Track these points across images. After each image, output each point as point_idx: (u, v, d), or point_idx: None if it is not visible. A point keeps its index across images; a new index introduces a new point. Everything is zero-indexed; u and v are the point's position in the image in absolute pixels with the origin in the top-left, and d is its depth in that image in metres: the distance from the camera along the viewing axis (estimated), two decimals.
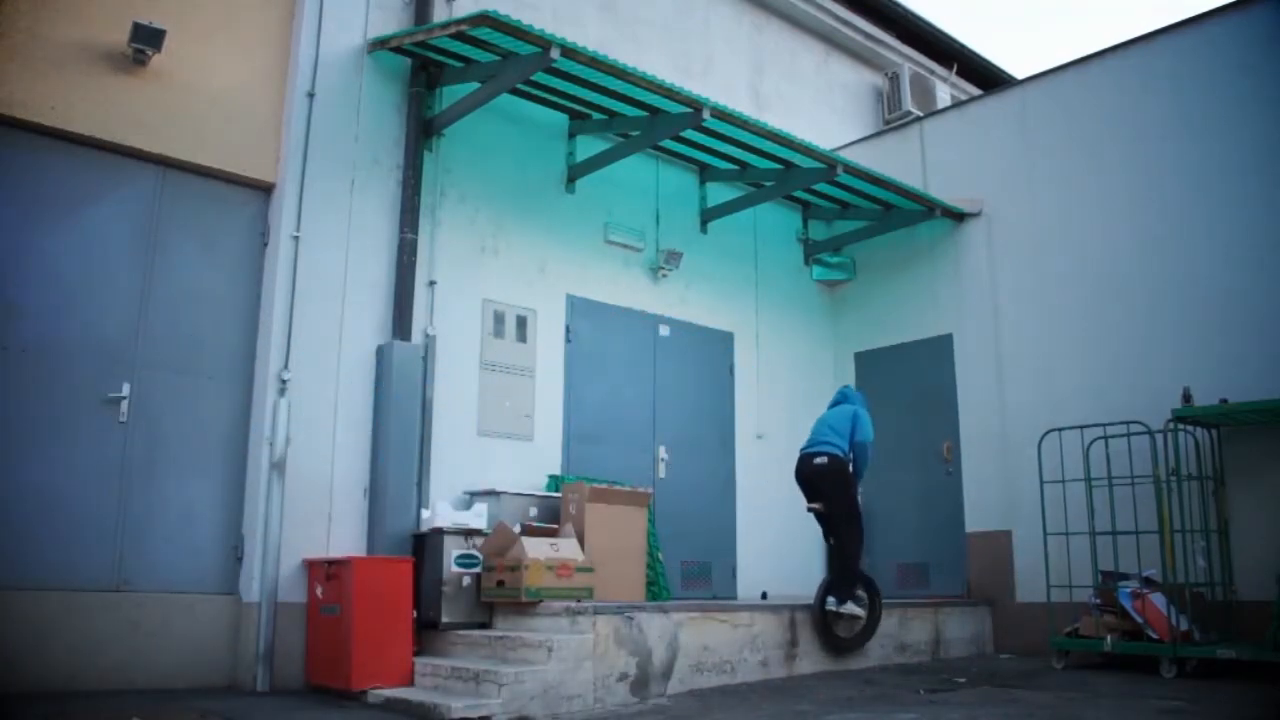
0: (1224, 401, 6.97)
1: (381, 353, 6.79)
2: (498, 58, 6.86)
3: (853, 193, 9.24)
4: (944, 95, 12.12)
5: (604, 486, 6.90)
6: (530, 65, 6.63)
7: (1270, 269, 7.27)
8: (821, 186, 9.06)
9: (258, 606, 6.06)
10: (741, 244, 9.54)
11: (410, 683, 5.79)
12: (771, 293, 9.70)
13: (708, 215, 9.24)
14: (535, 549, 6.00)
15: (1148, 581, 6.96)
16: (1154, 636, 6.71)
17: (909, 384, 9.32)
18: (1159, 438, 6.99)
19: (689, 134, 8.07)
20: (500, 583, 6.08)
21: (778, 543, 9.17)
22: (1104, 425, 7.30)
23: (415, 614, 6.07)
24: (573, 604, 5.80)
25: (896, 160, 9.61)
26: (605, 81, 7.11)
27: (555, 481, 7.47)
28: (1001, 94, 9.59)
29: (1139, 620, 6.81)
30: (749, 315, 9.49)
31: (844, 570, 6.96)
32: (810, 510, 7.13)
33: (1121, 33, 23.06)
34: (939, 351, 9.24)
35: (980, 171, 9.23)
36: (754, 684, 6.27)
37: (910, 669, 7.16)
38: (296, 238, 6.60)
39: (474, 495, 6.94)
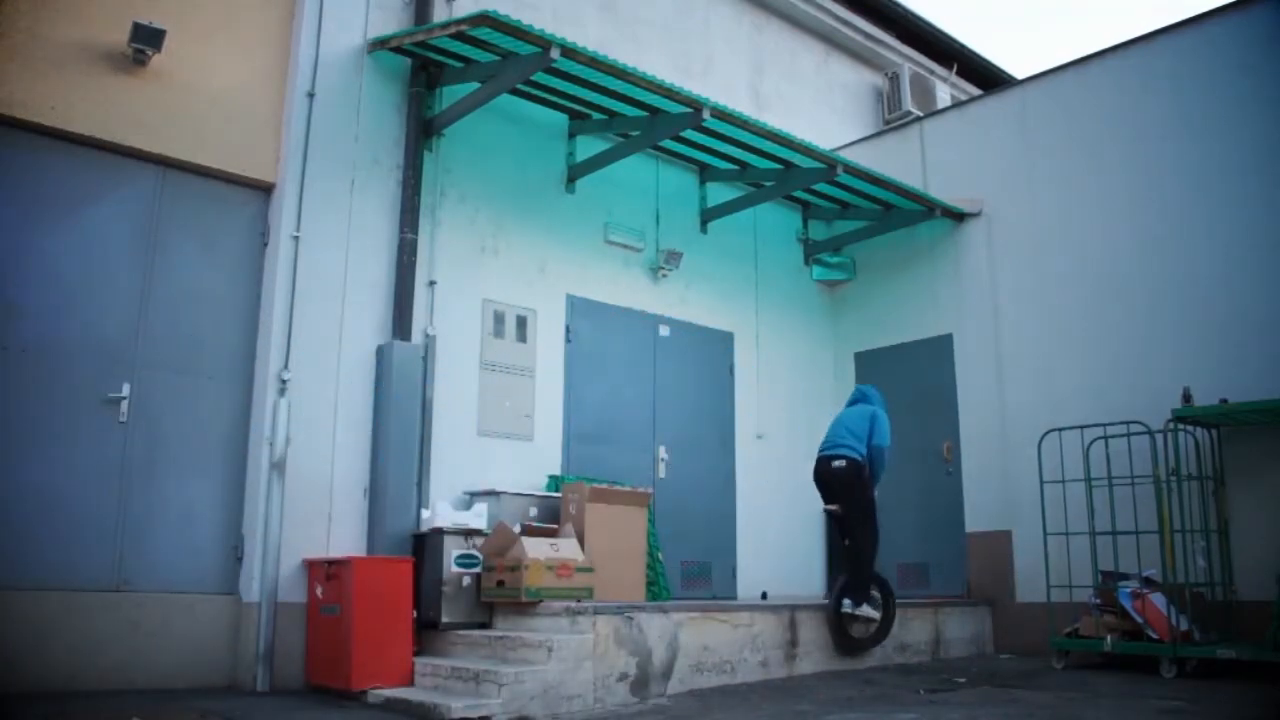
0: (1224, 401, 6.97)
1: (381, 353, 6.79)
2: (498, 58, 6.86)
3: (853, 193, 9.24)
4: (944, 95, 12.12)
5: (604, 486, 6.90)
6: (530, 65, 6.63)
7: (1270, 269, 7.27)
8: (821, 186, 9.06)
9: (258, 606, 6.06)
10: (741, 244, 9.54)
11: (410, 683, 5.79)
12: (771, 293, 9.70)
13: (708, 215, 9.24)
14: (535, 549, 6.00)
15: (1148, 581, 6.96)
16: (1154, 636, 6.71)
17: (909, 384, 9.32)
18: (1159, 438, 6.99)
19: (689, 134, 8.07)
20: (500, 583, 6.08)
21: (778, 543, 9.18)
22: (1104, 425, 7.31)
23: (415, 614, 6.07)
24: (573, 604, 5.80)
25: (896, 160, 9.61)
26: (605, 81, 7.11)
27: (555, 481, 7.47)
28: (1001, 94, 9.59)
29: (1139, 620, 6.81)
30: (749, 315, 9.49)
31: (859, 572, 6.99)
32: (827, 511, 7.19)
33: (1121, 33, 23.06)
34: (939, 351, 9.24)
35: (980, 171, 9.23)
36: (754, 684, 6.27)
37: (910, 669, 7.16)
38: (296, 238, 6.60)
39: (474, 495, 6.94)
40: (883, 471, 7.08)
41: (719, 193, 9.33)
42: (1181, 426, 7.12)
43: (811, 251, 10.11)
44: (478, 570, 6.27)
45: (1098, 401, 7.74)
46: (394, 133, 7.16)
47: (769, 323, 9.62)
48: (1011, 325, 8.79)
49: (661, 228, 8.88)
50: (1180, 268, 7.74)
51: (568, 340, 8.03)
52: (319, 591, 6.08)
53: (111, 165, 6.23)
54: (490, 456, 7.31)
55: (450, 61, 7.23)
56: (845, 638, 6.98)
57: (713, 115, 7.26)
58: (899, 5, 12.43)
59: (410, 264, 7.00)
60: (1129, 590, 6.94)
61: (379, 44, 7.06)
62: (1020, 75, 10.84)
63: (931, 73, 12.49)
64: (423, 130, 7.24)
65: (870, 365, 9.78)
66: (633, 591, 6.73)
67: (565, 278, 8.09)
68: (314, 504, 6.37)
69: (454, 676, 5.51)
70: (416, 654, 6.00)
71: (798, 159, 8.39)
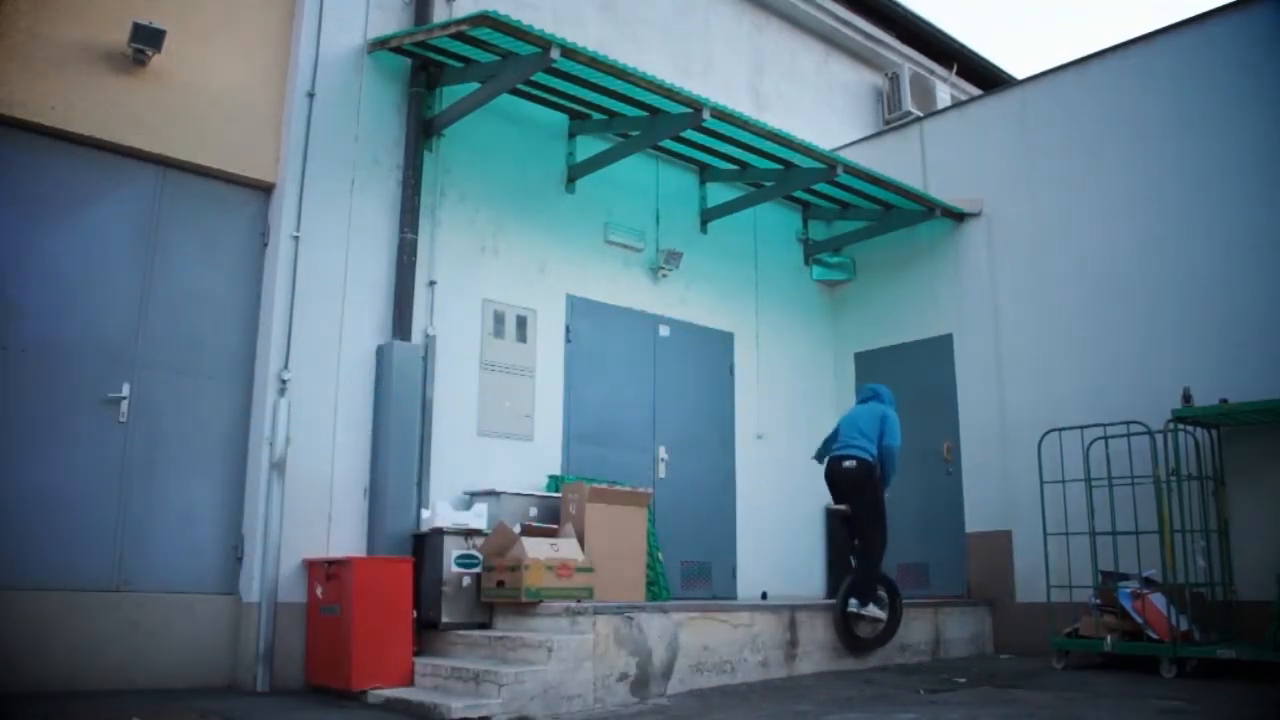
0: (1224, 401, 6.97)
1: (381, 353, 6.79)
2: (498, 58, 6.86)
3: (853, 193, 9.24)
4: (944, 95, 12.12)
5: (604, 486, 6.90)
6: (530, 65, 6.63)
7: (1270, 269, 7.27)
8: (821, 186, 9.06)
9: (258, 606, 6.06)
10: (741, 244, 9.54)
11: (410, 683, 5.79)
12: (771, 293, 9.70)
13: (708, 215, 9.24)
14: (535, 549, 6.00)
15: (1148, 581, 6.96)
16: (1154, 636, 6.71)
17: (909, 384, 9.29)
18: (1159, 438, 6.99)
19: (689, 134, 8.07)
20: (500, 583, 6.08)
21: (778, 543, 9.18)
22: (1104, 425, 7.30)
23: (415, 614, 6.07)
24: (573, 604, 5.80)
25: (896, 160, 9.61)
26: (605, 81, 7.11)
27: (555, 481, 7.47)
28: (1001, 94, 9.59)
29: (1139, 620, 6.81)
30: (749, 315, 9.49)
31: (867, 572, 7.03)
32: (837, 511, 7.24)
33: (1121, 33, 23.05)
34: (939, 351, 9.24)
35: (980, 171, 9.23)
36: (754, 684, 6.27)
37: (910, 669, 7.16)
38: (296, 238, 6.60)
39: (474, 495, 6.94)
40: (894, 473, 7.13)
41: (719, 193, 9.33)
42: (1181, 426, 7.12)
43: (811, 251, 10.11)
44: (478, 570, 6.27)
45: (1098, 401, 7.74)
46: (394, 133, 7.16)
47: (769, 323, 9.62)
48: (1011, 325, 8.79)
49: (661, 228, 8.88)
50: (1180, 268, 7.74)
51: (568, 340, 8.03)
52: (319, 591, 6.08)
53: (111, 165, 6.23)
54: (490, 456, 7.31)
55: (450, 61, 7.23)
56: (851, 637, 7.01)
57: (713, 115, 7.26)
58: (899, 5, 12.43)
59: (410, 264, 7.00)
60: (1129, 590, 6.94)
61: (379, 44, 7.06)
62: (1020, 75, 10.86)
63: (931, 73, 12.49)
64: (423, 130, 7.24)
65: (870, 365, 9.77)
66: (633, 591, 6.73)
67: (565, 278, 8.09)
68: (314, 504, 6.37)
69: (454, 676, 5.51)
70: (416, 654, 6.00)
71: (798, 159, 8.38)
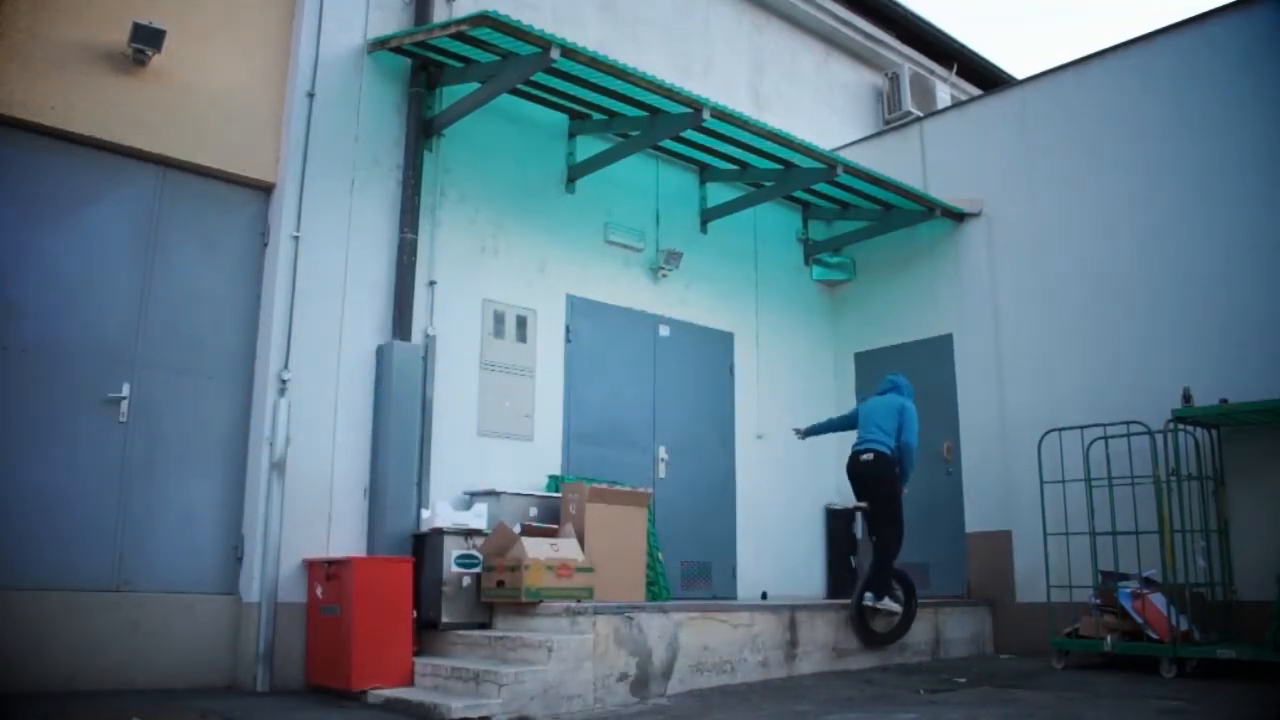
0: (1224, 401, 6.97)
1: (381, 353, 6.79)
2: (498, 58, 6.86)
3: (853, 193, 9.24)
4: (944, 95, 12.12)
5: (604, 486, 6.90)
6: (530, 65, 6.63)
7: (1270, 269, 7.27)
8: (821, 187, 9.06)
9: (258, 606, 6.06)
10: (741, 244, 9.54)
11: (410, 683, 5.79)
12: (771, 293, 9.70)
13: (708, 215, 9.24)
14: (535, 549, 6.00)
15: (1148, 581, 6.96)
16: (1154, 636, 6.71)
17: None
18: (1159, 438, 6.99)
19: (689, 134, 8.07)
20: (500, 583, 6.08)
21: (778, 543, 9.18)
22: (1104, 425, 7.30)
23: (415, 614, 6.07)
24: (573, 604, 5.80)
25: (896, 160, 9.61)
26: (605, 81, 7.11)
27: (555, 481, 7.47)
28: (1001, 94, 9.59)
29: (1139, 620, 6.81)
30: (749, 315, 9.49)
31: (882, 566, 7.11)
32: (857, 508, 7.37)
33: (1121, 33, 23.06)
34: (939, 351, 9.24)
35: (980, 171, 9.23)
36: (754, 684, 6.27)
37: (910, 669, 7.16)
38: (296, 238, 6.60)
39: (474, 495, 6.94)
40: (912, 468, 7.24)
41: (719, 193, 9.33)
42: (1181, 426, 7.12)
43: (811, 251, 10.11)
44: (478, 570, 6.27)
45: (1098, 401, 7.74)
46: (394, 133, 7.16)
47: (769, 323, 9.62)
48: (1011, 325, 8.79)
49: (661, 228, 8.88)
50: (1180, 268, 7.74)
51: (568, 340, 8.03)
52: (319, 591, 6.08)
53: (111, 165, 6.23)
54: (490, 456, 7.31)
55: (450, 61, 7.23)
56: (866, 631, 7.10)
57: (713, 115, 7.26)
58: (899, 5, 12.43)
59: (410, 264, 7.00)
60: (1129, 590, 6.94)
61: (379, 44, 7.06)
62: (1020, 75, 10.86)
63: (931, 73, 12.49)
64: (423, 130, 7.24)
65: (870, 365, 9.77)
66: (633, 591, 6.73)
67: (565, 278, 8.09)
68: (314, 504, 6.37)
69: (454, 676, 5.51)
70: (416, 654, 6.00)
71: (798, 159, 8.38)
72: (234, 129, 6.65)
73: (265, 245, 6.74)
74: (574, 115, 8.22)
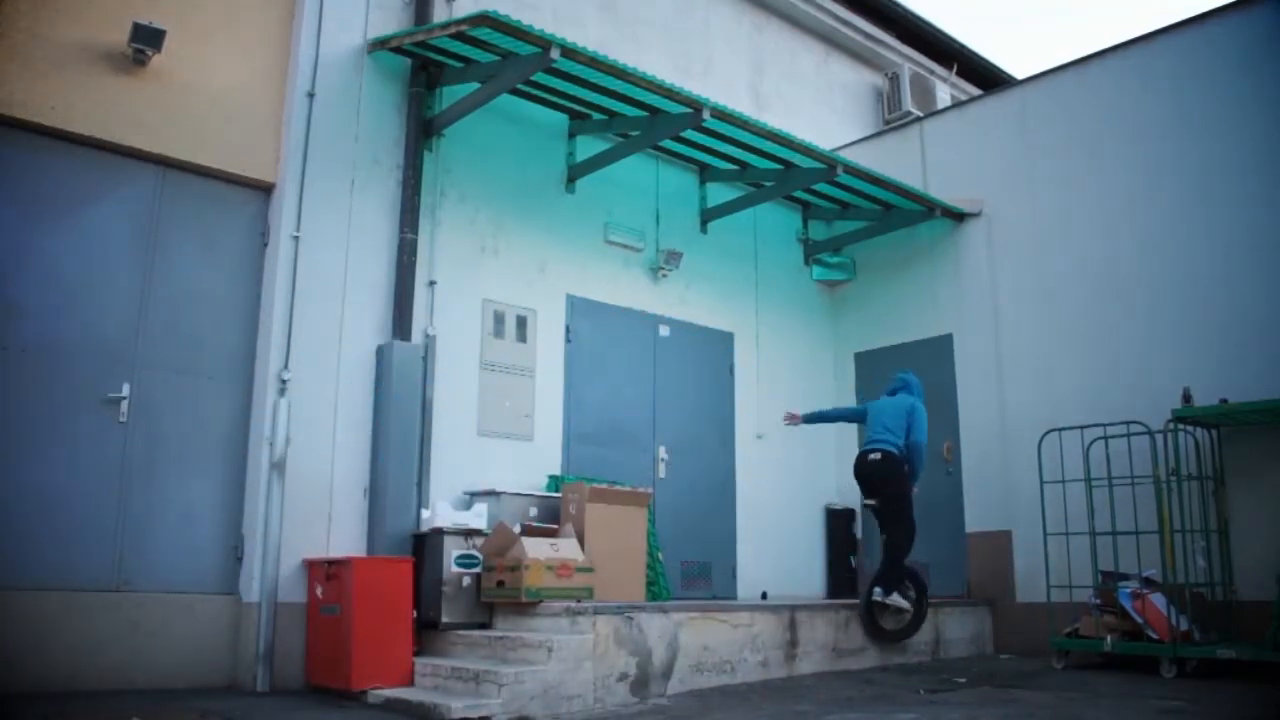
0: (1224, 401, 6.97)
1: (381, 353, 6.79)
2: (498, 58, 6.86)
3: (853, 193, 9.24)
4: (944, 95, 12.12)
5: (604, 486, 6.90)
6: (530, 65, 6.63)
7: (1270, 269, 7.27)
8: (821, 186, 9.06)
9: (258, 606, 6.06)
10: (741, 244, 9.54)
11: (410, 683, 5.79)
12: (771, 293, 9.70)
13: (708, 215, 9.24)
14: (535, 549, 6.00)
15: (1148, 581, 6.96)
16: (1154, 636, 6.71)
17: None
18: (1159, 438, 6.99)
19: (689, 134, 8.07)
20: (500, 583, 6.08)
21: (778, 543, 9.18)
22: (1104, 425, 7.30)
23: (415, 614, 6.07)
24: (573, 604, 5.80)
25: (896, 160, 9.61)
26: (605, 81, 7.11)
27: (555, 481, 7.47)
28: (1001, 94, 9.59)
29: (1139, 620, 6.81)
30: (749, 315, 9.49)
31: (891, 563, 7.16)
32: (866, 507, 7.41)
33: (1121, 33, 23.06)
34: (939, 351, 9.24)
35: (980, 171, 9.23)
36: (754, 684, 6.27)
37: (910, 669, 7.16)
38: (296, 238, 6.60)
39: (474, 495, 6.94)
40: (922, 469, 7.28)
41: (719, 193, 9.33)
42: (1181, 426, 7.12)
43: (811, 251, 10.11)
44: (478, 570, 6.27)
45: (1098, 401, 7.74)
46: (394, 133, 7.16)
47: (769, 323, 9.62)
48: (1011, 325, 8.79)
49: (661, 228, 8.88)
50: (1180, 268, 7.74)
51: (568, 340, 8.03)
52: (319, 591, 6.08)
53: (111, 165, 6.23)
54: (490, 456, 7.31)
55: (450, 61, 7.23)
56: (875, 627, 7.14)
57: (713, 115, 7.26)
58: (899, 5, 12.43)
59: (410, 264, 7.00)
60: (1129, 590, 6.94)
61: (379, 44, 7.06)
62: (1020, 75, 10.86)
63: (931, 73, 12.49)
64: (423, 130, 7.24)
65: (870, 365, 9.78)
66: (633, 591, 6.73)
67: (565, 278, 8.09)
68: (314, 504, 6.37)
69: (454, 677, 5.51)
70: (416, 654, 6.00)
71: (798, 159, 8.38)
72: (234, 129, 6.65)
73: (265, 245, 6.74)
74: (574, 115, 8.22)
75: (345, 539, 6.45)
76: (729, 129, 7.74)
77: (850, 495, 9.60)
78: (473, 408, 7.31)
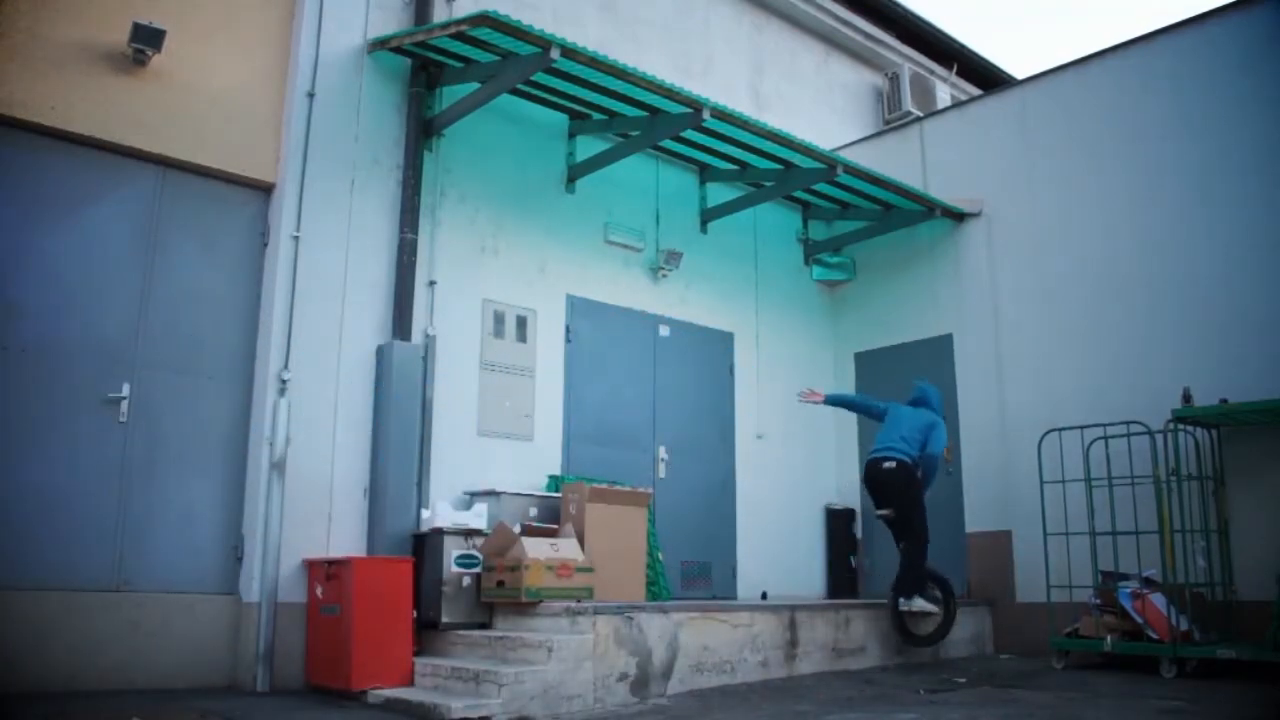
0: (1224, 401, 6.97)
1: (381, 353, 6.79)
2: (498, 58, 6.86)
3: (853, 193, 9.24)
4: (944, 95, 12.12)
5: (604, 486, 6.90)
6: (530, 65, 6.63)
7: (1270, 269, 7.27)
8: (821, 187, 9.06)
9: (258, 606, 6.06)
10: (741, 244, 9.53)
11: (410, 683, 5.79)
12: (771, 293, 9.70)
13: (708, 215, 9.24)
14: (535, 549, 6.00)
15: (1148, 581, 6.96)
16: (1154, 636, 6.71)
17: (909, 384, 9.29)
18: (1159, 438, 6.99)
19: (689, 134, 8.07)
20: (500, 583, 6.08)
21: (778, 543, 9.18)
22: (1104, 425, 7.30)
23: (415, 614, 6.07)
24: (573, 604, 5.80)
25: (896, 160, 9.61)
26: (605, 81, 7.11)
27: (555, 481, 7.47)
28: (1001, 94, 9.59)
29: (1139, 620, 6.81)
30: (749, 315, 9.49)
31: (907, 569, 7.18)
32: (879, 517, 7.38)
33: (1121, 33, 23.06)
34: (939, 352, 9.24)
35: (980, 171, 9.22)
36: (754, 684, 6.27)
37: (910, 669, 7.16)
38: (296, 238, 6.60)
39: (474, 495, 6.94)
40: (934, 478, 7.31)
41: (719, 193, 9.33)
42: (1181, 427, 7.11)
43: (811, 251, 10.11)
44: (478, 570, 6.27)
45: (1098, 401, 7.74)
46: (394, 133, 7.16)
47: (769, 323, 9.62)
48: (1011, 325, 8.79)
49: (661, 228, 8.88)
50: (1180, 268, 7.74)
51: (568, 340, 8.03)
52: (319, 591, 6.08)
53: (111, 165, 6.23)
54: (490, 456, 7.31)
55: (450, 61, 7.23)
56: (906, 634, 7.21)
57: (713, 115, 7.25)
58: (899, 5, 12.43)
59: (410, 264, 7.00)
60: (1129, 590, 6.94)
61: (379, 44, 7.06)
62: (1020, 75, 10.86)
63: (931, 73, 12.49)
64: (423, 130, 7.24)
65: (870, 365, 9.78)
66: (633, 591, 6.73)
67: (565, 278, 8.09)
68: (314, 504, 6.37)
69: (454, 676, 5.51)
70: (416, 654, 6.00)
71: (798, 159, 8.38)
72: (234, 129, 6.65)
73: (265, 245, 6.74)
74: (574, 115, 8.22)
75: (345, 539, 6.45)
76: (729, 129, 7.74)
77: (851, 495, 9.62)
78: (473, 408, 7.31)
